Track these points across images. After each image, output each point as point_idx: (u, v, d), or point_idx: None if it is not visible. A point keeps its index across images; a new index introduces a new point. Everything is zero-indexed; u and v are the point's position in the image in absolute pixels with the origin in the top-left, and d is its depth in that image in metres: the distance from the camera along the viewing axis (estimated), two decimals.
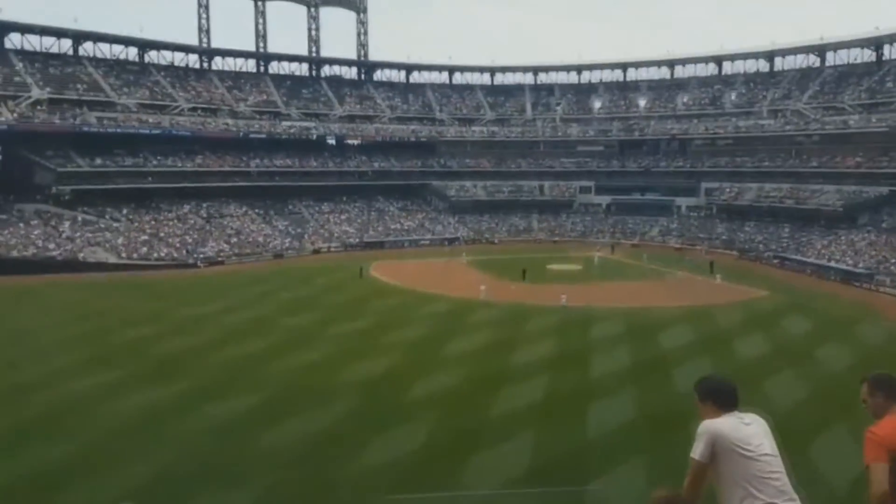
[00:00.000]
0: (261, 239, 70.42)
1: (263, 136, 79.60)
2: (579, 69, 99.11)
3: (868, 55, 79.23)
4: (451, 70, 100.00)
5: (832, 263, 57.28)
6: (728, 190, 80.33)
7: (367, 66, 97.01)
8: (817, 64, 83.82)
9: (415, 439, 21.04)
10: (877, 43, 77.67)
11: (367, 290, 47.76)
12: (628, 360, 30.43)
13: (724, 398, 3.59)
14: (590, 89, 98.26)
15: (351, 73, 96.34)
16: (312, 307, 41.74)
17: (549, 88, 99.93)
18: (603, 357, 30.70)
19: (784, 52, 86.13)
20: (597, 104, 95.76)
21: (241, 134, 77.88)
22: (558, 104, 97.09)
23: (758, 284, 50.35)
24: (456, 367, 28.69)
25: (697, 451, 3.44)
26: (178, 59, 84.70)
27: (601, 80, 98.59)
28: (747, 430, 3.45)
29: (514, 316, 39.48)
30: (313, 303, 43.19)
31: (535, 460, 19.63)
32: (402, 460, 19.45)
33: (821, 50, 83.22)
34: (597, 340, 33.96)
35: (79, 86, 72.02)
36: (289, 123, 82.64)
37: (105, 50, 78.81)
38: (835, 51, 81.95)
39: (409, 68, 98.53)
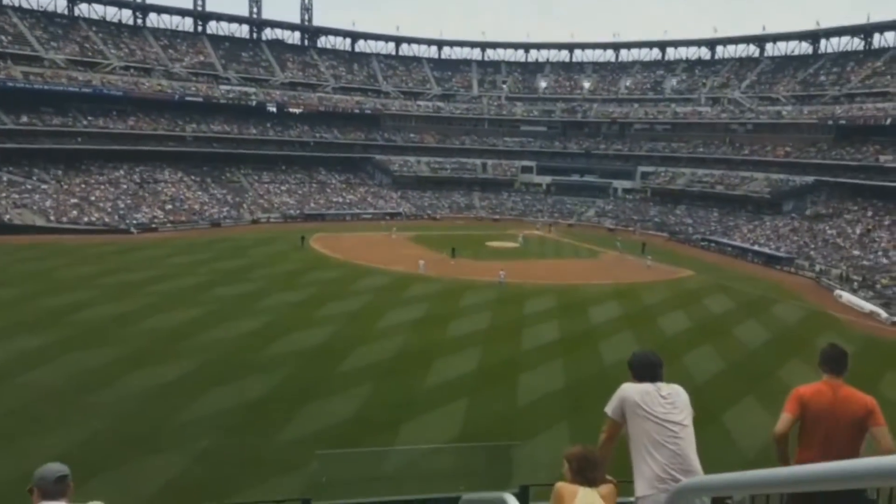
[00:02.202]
0: (197, 207, 68.68)
1: (200, 99, 76.99)
2: (527, 47, 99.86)
3: (805, 48, 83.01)
4: (398, 41, 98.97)
5: (756, 247, 60.52)
6: (663, 174, 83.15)
7: (310, 32, 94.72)
8: (756, 54, 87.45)
9: (347, 409, 21.35)
10: (814, 36, 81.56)
11: (306, 262, 47.57)
12: (558, 333, 31.66)
13: (643, 370, 3.89)
14: (536, 68, 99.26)
15: (294, 37, 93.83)
16: (249, 277, 41.34)
17: (496, 65, 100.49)
18: (535, 330, 31.81)
19: (725, 42, 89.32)
20: (542, 84, 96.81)
21: (177, 96, 75.12)
22: (504, 82, 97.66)
23: (685, 265, 52.66)
24: (392, 340, 29.11)
25: (609, 407, 3.81)
26: (111, 13, 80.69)
27: (548, 59, 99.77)
28: (657, 397, 3.73)
29: (451, 290, 40.19)
30: (250, 273, 42.75)
31: (466, 427, 20.33)
32: (333, 429, 19.75)
33: (761, 40, 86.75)
34: (530, 315, 35.08)
35: (2, 37, 67.87)
36: (227, 88, 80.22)
37: None
38: (774, 42, 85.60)
39: (355, 36, 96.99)
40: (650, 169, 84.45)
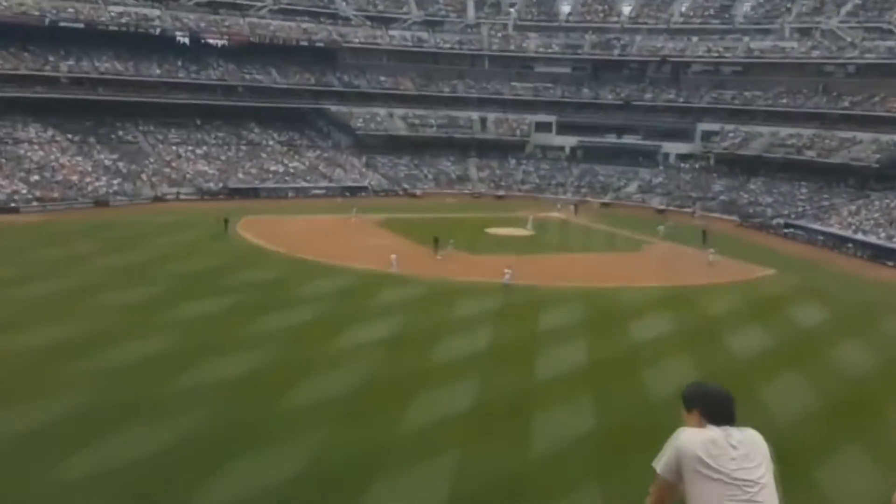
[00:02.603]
0: (75, 178, 68.35)
1: (80, 25, 76.40)
2: None
3: None
4: None
5: (860, 235, 61.20)
6: (731, 135, 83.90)
7: None
8: None
9: (292, 464, 21.18)
10: None
11: (231, 257, 47.53)
12: (586, 357, 31.70)
13: (714, 409, 3.83)
14: None
15: None
16: (149, 279, 41.12)
17: None
18: (554, 353, 31.83)
19: None
20: (565, 8, 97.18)
21: (47, 20, 74.41)
22: (512, 5, 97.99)
23: (762, 260, 52.98)
24: (354, 367, 29.00)
25: (660, 463, 3.72)
26: None
27: None
28: (727, 447, 3.68)
29: (437, 297, 40.22)
30: (150, 272, 42.55)
31: (457, 490, 20.24)
32: (271, 494, 19.61)
33: None
34: (548, 331, 35.13)
35: None
36: (119, 9, 79.72)
37: None
38: None
39: None
40: (714, 127, 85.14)
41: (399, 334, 33.52)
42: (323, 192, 76.38)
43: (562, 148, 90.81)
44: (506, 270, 43.23)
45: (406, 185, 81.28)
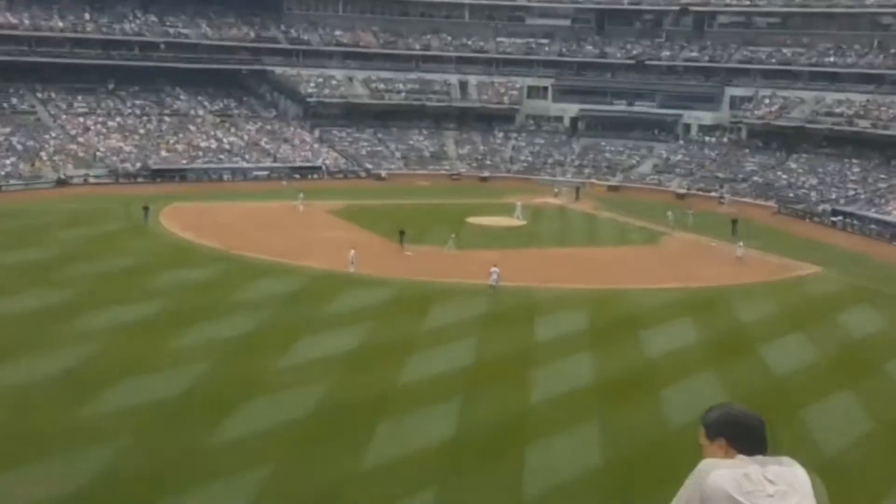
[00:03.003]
0: None
1: None
2: None
3: None
4: None
5: None
6: (767, 101, 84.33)
7: None
8: None
9: None
10: None
11: (153, 254, 47.48)
12: (591, 374, 31.91)
13: (744, 436, 3.80)
14: None
15: None
16: (51, 282, 40.85)
17: None
18: (552, 370, 32.02)
19: None
20: None
21: None
22: None
23: (804, 255, 53.31)
24: (304, 390, 28.95)
25: (680, 502, 3.66)
26: None
27: None
28: (763, 483, 3.61)
29: (407, 303, 40.32)
30: (53, 274, 42.26)
31: None
32: None
33: None
34: (545, 343, 35.36)
35: None
36: None
37: None
38: None
39: None
40: (746, 92, 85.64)
41: (360, 349, 33.46)
42: (266, 173, 76.30)
43: (560, 118, 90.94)
44: (492, 269, 43.08)
45: (369, 165, 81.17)
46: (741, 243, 53.57)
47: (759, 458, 3.71)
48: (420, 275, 45.15)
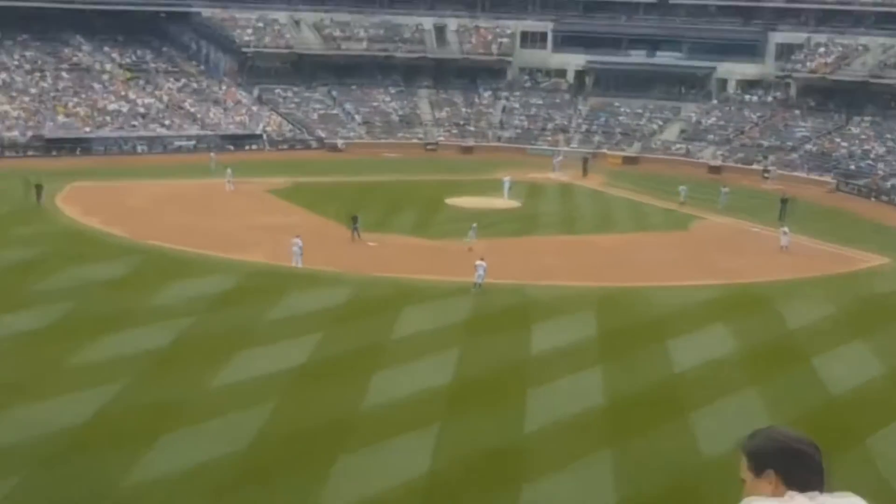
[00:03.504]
0: None
1: None
2: None
3: None
4: None
5: None
6: (822, 50, 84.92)
7: None
8: None
9: None
10: None
11: (48, 244, 47.52)
12: (602, 394, 32.06)
13: (797, 467, 3.79)
14: None
15: None
16: None
17: None
18: (552, 392, 32.13)
19: None
20: None
21: None
22: None
23: (869, 243, 54.15)
24: (240, 416, 29.00)
25: None
26: None
27: None
28: None
29: (369, 305, 40.56)
30: None
31: None
32: None
33: None
34: (543, 354, 35.63)
35: None
36: None
37: None
38: None
39: None
40: (795, 38, 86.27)
41: (310, 366, 33.57)
42: (191, 144, 76.46)
43: (562, 72, 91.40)
44: (478, 263, 43.26)
45: (321, 133, 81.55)
46: (786, 229, 53.84)
47: (816, 495, 3.72)
48: (385, 270, 45.33)
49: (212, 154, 72.02)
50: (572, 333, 38.10)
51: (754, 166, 76.39)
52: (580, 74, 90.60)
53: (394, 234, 51.81)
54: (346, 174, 67.70)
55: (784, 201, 60.64)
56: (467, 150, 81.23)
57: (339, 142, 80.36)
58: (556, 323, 39.32)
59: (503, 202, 61.56)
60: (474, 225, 51.98)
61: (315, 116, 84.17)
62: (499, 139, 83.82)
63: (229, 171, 63.42)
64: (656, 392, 32.56)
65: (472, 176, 68.87)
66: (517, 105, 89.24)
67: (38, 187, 55.60)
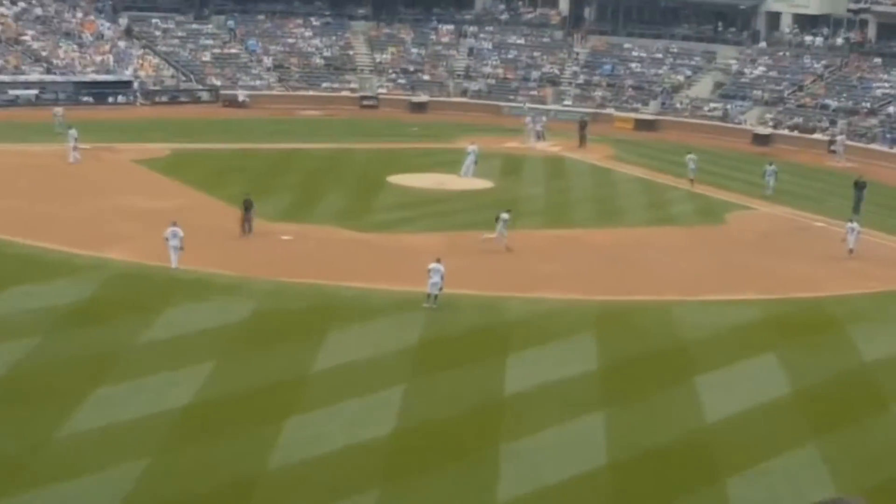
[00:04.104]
0: None
1: None
2: None
3: None
4: None
5: None
6: None
7: None
8: None
9: None
10: None
11: None
12: (604, 454, 31.61)
13: None
14: None
15: None
16: None
17: None
18: (534, 446, 31.72)
19: None
20: None
21: None
22: None
23: None
24: (94, 482, 28.60)
25: None
26: None
27: None
28: None
29: (278, 325, 40.33)
30: None
31: None
32: None
33: None
34: (519, 401, 35.09)
35: None
36: None
37: None
38: None
39: None
40: None
41: (196, 409, 33.11)
42: (33, 93, 76.29)
43: (552, 1, 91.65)
44: (431, 267, 42.92)
45: (216, 81, 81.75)
46: (855, 224, 53.65)
47: None
48: (304, 274, 45.40)
49: (57, 109, 71.37)
50: (564, 366, 37.68)
51: (817, 136, 76.49)
52: (577, 2, 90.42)
53: (315, 225, 51.62)
54: (251, 139, 67.77)
55: (860, 186, 60.36)
56: (419, 107, 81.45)
57: (241, 94, 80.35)
58: (542, 351, 38.99)
59: (468, 181, 61.42)
60: (505, 215, 51.41)
61: (207, 57, 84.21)
62: (463, 93, 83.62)
63: (73, 132, 63.02)
64: (680, 450, 32.31)
65: (425, 144, 68.83)
66: (489, 46, 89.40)
67: None
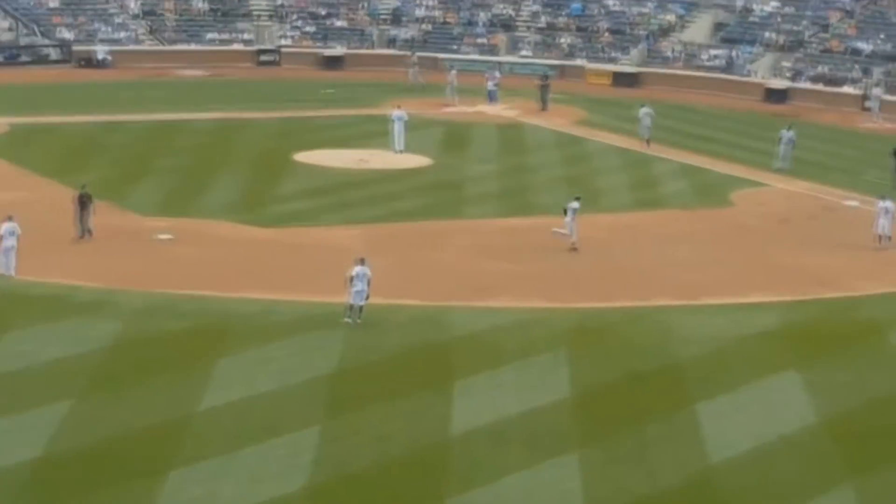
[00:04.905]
0: None
1: None
2: None
3: None
4: None
5: None
6: None
7: None
8: None
9: None
10: None
11: None
12: None
13: None
14: None
15: None
16: None
17: None
18: (489, 501, 31.37)
19: None
20: None
21: None
22: None
23: None
24: None
25: None
26: None
27: None
28: None
29: (152, 352, 40.29)
30: None
31: None
32: None
33: None
34: (469, 442, 34.89)
35: None
36: None
37: None
38: None
39: None
40: None
41: (46, 463, 32.55)
42: None
43: None
44: (354, 271, 43.18)
45: (67, 35, 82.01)
46: (889, 202, 54.47)
47: None
48: (185, 284, 45.57)
49: None
50: (527, 395, 37.78)
51: (846, 89, 76.96)
52: None
53: (201, 219, 51.89)
54: (114, 109, 67.89)
55: None
56: (333, 63, 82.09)
57: (100, 50, 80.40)
58: (498, 377, 39.06)
59: (397, 158, 61.62)
60: (575, 204, 51.61)
61: (54, 3, 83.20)
62: (391, 42, 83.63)
63: None
64: (678, 501, 32.25)
65: (340, 110, 68.90)
66: None
67: None
